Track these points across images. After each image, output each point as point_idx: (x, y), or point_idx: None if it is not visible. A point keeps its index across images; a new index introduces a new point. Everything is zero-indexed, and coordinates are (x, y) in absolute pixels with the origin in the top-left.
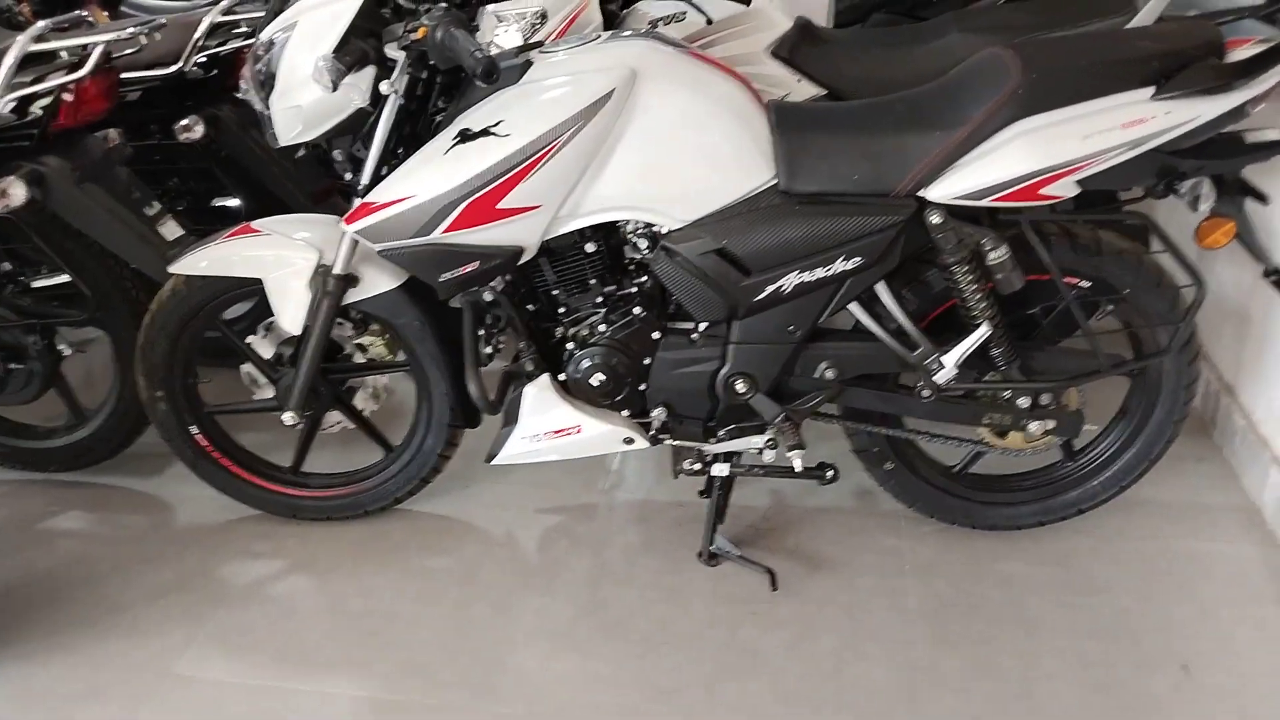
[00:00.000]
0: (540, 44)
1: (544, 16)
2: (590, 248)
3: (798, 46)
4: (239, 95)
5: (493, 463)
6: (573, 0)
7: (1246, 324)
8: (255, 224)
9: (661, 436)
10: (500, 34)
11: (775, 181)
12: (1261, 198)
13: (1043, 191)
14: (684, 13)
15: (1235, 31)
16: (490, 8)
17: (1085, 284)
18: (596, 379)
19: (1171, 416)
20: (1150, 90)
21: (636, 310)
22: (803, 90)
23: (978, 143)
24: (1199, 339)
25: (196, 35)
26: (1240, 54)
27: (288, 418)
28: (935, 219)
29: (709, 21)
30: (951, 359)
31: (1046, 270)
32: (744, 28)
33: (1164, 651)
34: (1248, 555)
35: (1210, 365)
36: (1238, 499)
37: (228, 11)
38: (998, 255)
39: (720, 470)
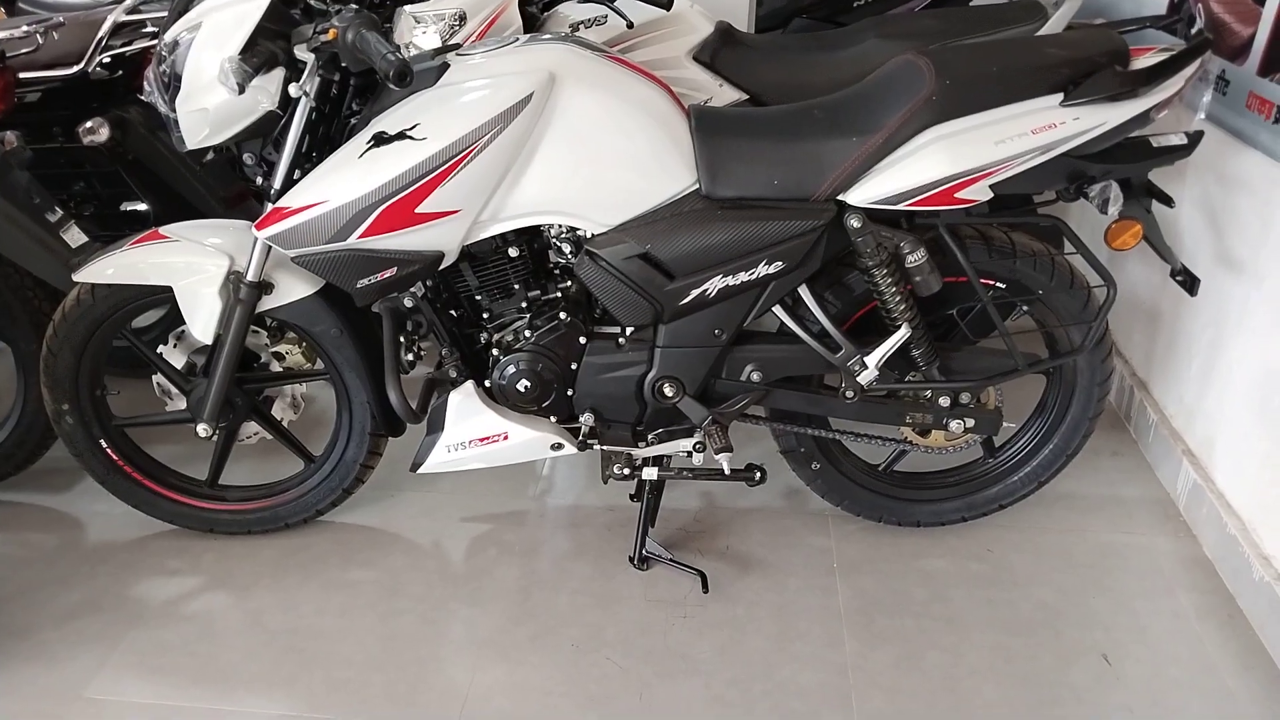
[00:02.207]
0: (458, 46)
1: (462, 19)
2: (513, 252)
3: (719, 51)
4: (143, 98)
5: (418, 471)
6: (492, 3)
7: (1157, 321)
8: (164, 229)
9: (590, 442)
10: (418, 35)
11: (697, 186)
12: (1168, 201)
13: (958, 195)
14: (605, 17)
15: (1138, 40)
16: (407, 9)
17: (1001, 285)
18: (522, 385)
19: (1087, 413)
20: (1059, 97)
21: (562, 315)
22: (724, 95)
23: (894, 148)
24: (1111, 337)
25: (100, 34)
26: (1144, 61)
27: (201, 429)
28: (854, 223)
29: (630, 25)
30: (873, 360)
31: (963, 272)
32: (665, 32)
33: (1084, 643)
34: (1162, 546)
35: (1124, 361)
36: (1153, 491)
37: (132, 10)
38: (916, 258)
39: (650, 474)
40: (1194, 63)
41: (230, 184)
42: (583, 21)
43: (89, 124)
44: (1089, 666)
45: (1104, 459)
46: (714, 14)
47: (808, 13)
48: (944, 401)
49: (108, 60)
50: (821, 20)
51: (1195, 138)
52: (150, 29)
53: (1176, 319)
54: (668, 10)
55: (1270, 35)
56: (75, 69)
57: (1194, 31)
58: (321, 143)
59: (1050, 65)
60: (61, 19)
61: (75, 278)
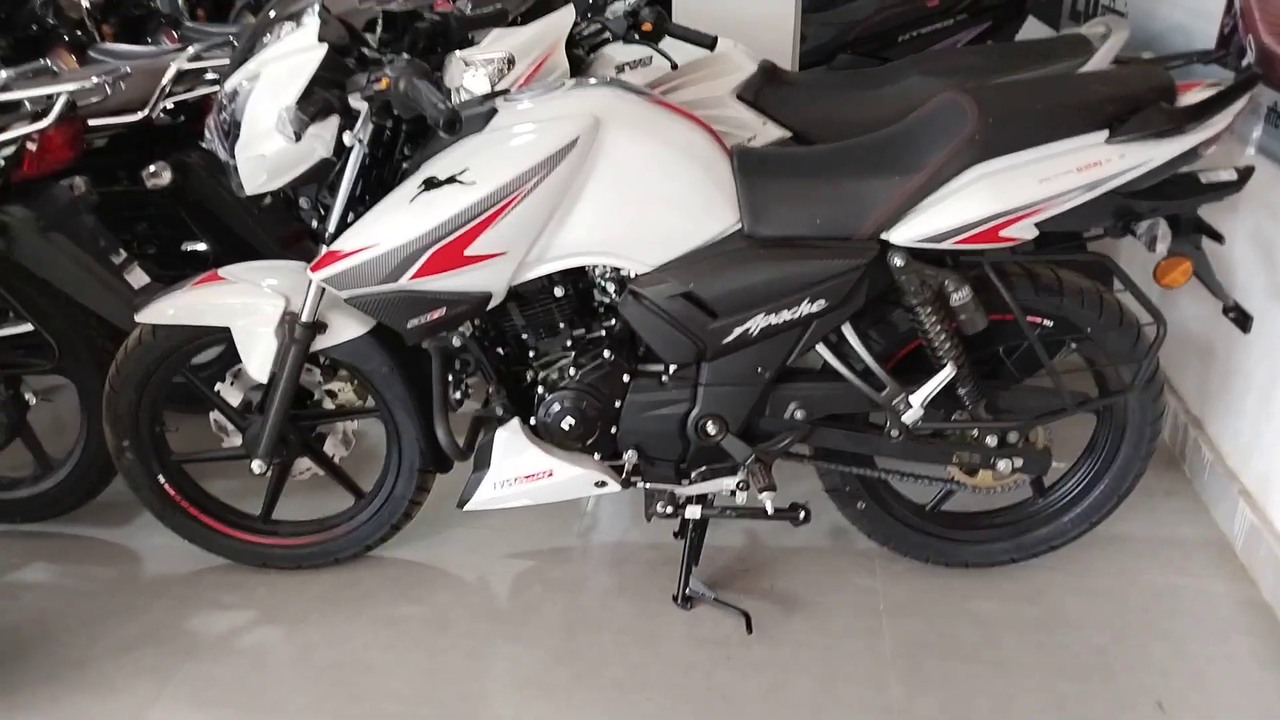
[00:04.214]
0: (505, 91)
1: (511, 62)
2: (559, 292)
3: (762, 89)
4: (204, 144)
5: (464, 508)
6: (540, 46)
7: (1210, 358)
8: (222, 271)
9: (634, 479)
10: (468, 79)
11: (740, 226)
12: (1217, 237)
13: (1003, 234)
14: (650, 58)
15: (1185, 76)
16: (458, 54)
17: (1048, 323)
18: (567, 422)
19: (1138, 452)
20: (1104, 134)
21: (606, 353)
22: (768, 132)
23: (937, 186)
24: (1163, 375)
25: (164, 82)
26: (1191, 97)
27: (256, 465)
28: (898, 261)
29: (674, 66)
30: (918, 398)
31: (1009, 310)
32: (708, 71)
33: (1138, 689)
34: (1218, 589)
35: (1178, 399)
36: (1209, 532)
37: (194, 58)
38: (961, 296)
39: (693, 512)
40: (1242, 98)
41: (286, 225)
42: (628, 63)
43: (152, 168)
44: (1144, 714)
45: (1157, 499)
46: (758, 52)
47: (852, 48)
48: (991, 441)
49: (170, 106)
50: (866, 55)
51: (1246, 173)
52: (211, 76)
53: (1230, 355)
54: (712, 50)
55: None
56: (140, 115)
57: (1243, 65)
58: (374, 186)
59: (1095, 102)
60: (128, 69)
61: (138, 318)
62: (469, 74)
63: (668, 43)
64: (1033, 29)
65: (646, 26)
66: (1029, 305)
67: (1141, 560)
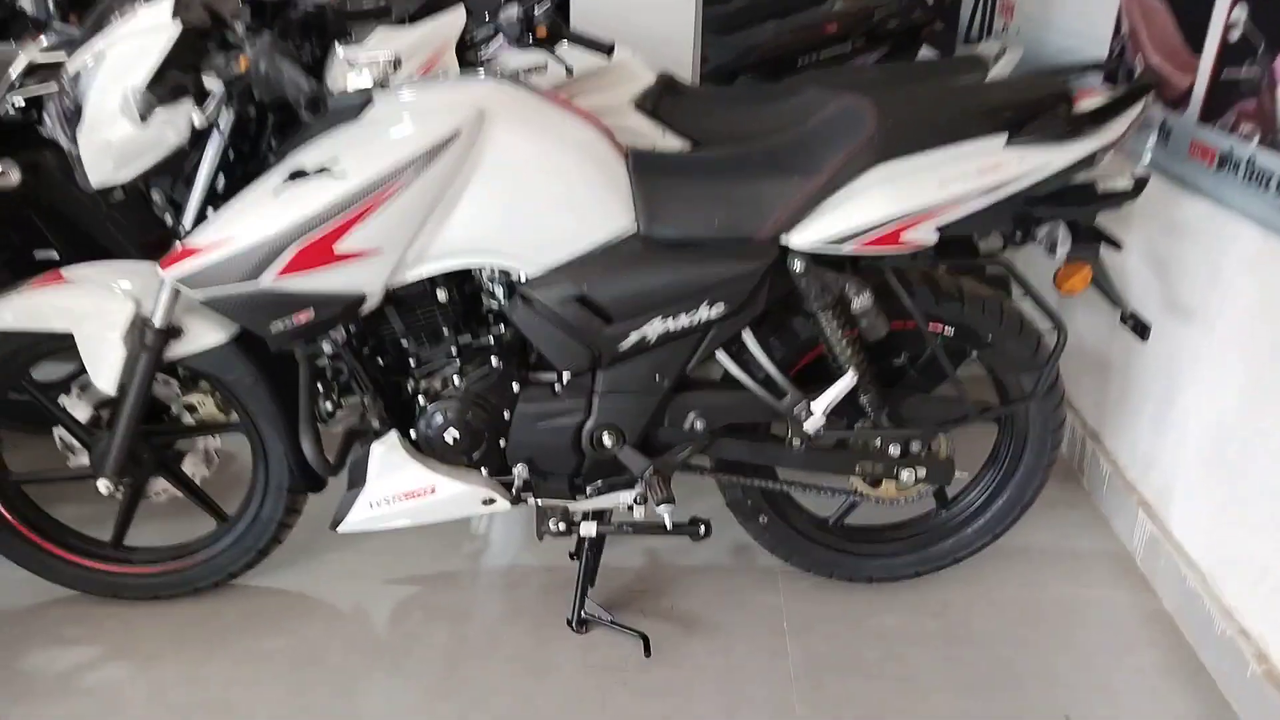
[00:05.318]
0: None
1: (397, 64)
2: (442, 296)
3: (661, 99)
4: (44, 132)
5: (339, 530)
6: (428, 48)
7: (1106, 370)
8: (66, 271)
9: (524, 495)
10: (351, 79)
11: (635, 228)
12: (1116, 244)
13: (904, 237)
14: (545, 65)
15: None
16: (341, 53)
17: (949, 331)
18: (451, 434)
19: (1040, 461)
20: (1004, 137)
21: (494, 361)
22: (666, 143)
23: (837, 188)
24: (1063, 384)
25: (11, 75)
26: (1088, 104)
27: (103, 485)
28: (798, 265)
29: (569, 72)
30: (820, 406)
31: (910, 317)
32: (606, 80)
33: (1047, 703)
34: (1122, 600)
35: (1074, 412)
36: (1109, 544)
37: (49, 49)
38: (862, 302)
39: (588, 530)
40: (1139, 104)
41: (148, 232)
42: (522, 69)
43: None
44: None
45: (1058, 511)
46: (655, 67)
47: (752, 70)
48: (894, 450)
49: (20, 103)
50: (765, 77)
51: (1141, 182)
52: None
53: (1127, 368)
54: (609, 57)
55: (1209, 83)
56: None
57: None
58: (239, 184)
59: (995, 107)
60: None
61: None
62: (353, 74)
63: (564, 50)
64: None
65: (541, 31)
66: (930, 312)
67: (1044, 572)
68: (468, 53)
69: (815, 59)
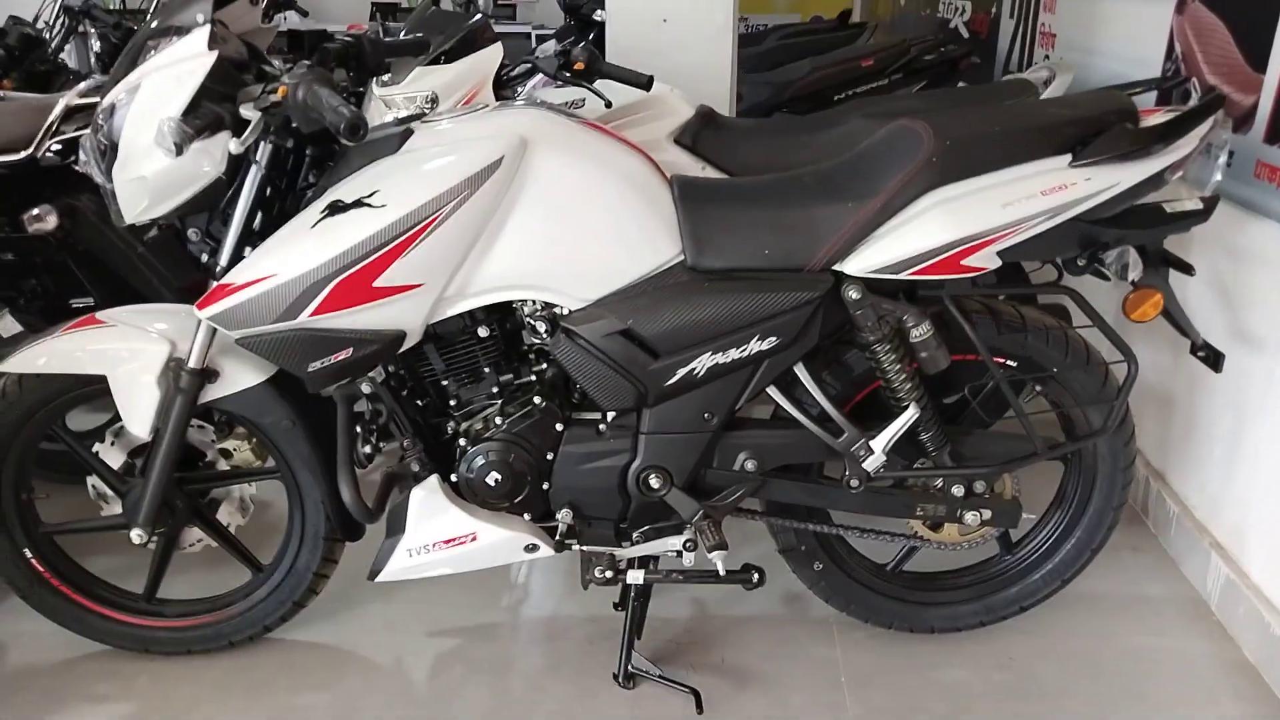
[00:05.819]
0: (422, 114)
1: (434, 101)
2: (483, 332)
3: (700, 133)
4: (79, 168)
5: (377, 579)
6: (465, 85)
7: (1171, 406)
8: (101, 314)
9: (568, 542)
10: (389, 119)
11: (682, 258)
12: (1187, 268)
13: (964, 263)
14: (583, 100)
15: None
16: (378, 91)
17: (1012, 363)
18: (493, 478)
19: (1110, 502)
20: (1067, 157)
21: (536, 400)
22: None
23: (893, 213)
24: (1133, 418)
25: (50, 119)
26: (1154, 120)
27: (135, 535)
28: (853, 294)
29: (608, 105)
30: (879, 444)
31: (971, 349)
32: (645, 115)
33: None
34: (1197, 649)
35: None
36: (1181, 589)
37: (86, 94)
38: (921, 332)
39: (635, 578)
40: (1208, 120)
41: (184, 275)
42: (561, 104)
43: (35, 211)
44: None
45: (1124, 555)
46: (694, 100)
47: (788, 108)
48: (957, 491)
49: (59, 146)
50: (802, 115)
51: (1212, 202)
52: None
53: (1192, 402)
54: (648, 90)
55: (1274, 101)
56: (23, 154)
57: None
58: (277, 220)
59: (1056, 125)
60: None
61: (3, 368)
62: (389, 115)
63: (602, 84)
64: None
65: (579, 66)
66: (992, 344)
67: (1113, 621)
68: (504, 90)
69: (851, 95)
